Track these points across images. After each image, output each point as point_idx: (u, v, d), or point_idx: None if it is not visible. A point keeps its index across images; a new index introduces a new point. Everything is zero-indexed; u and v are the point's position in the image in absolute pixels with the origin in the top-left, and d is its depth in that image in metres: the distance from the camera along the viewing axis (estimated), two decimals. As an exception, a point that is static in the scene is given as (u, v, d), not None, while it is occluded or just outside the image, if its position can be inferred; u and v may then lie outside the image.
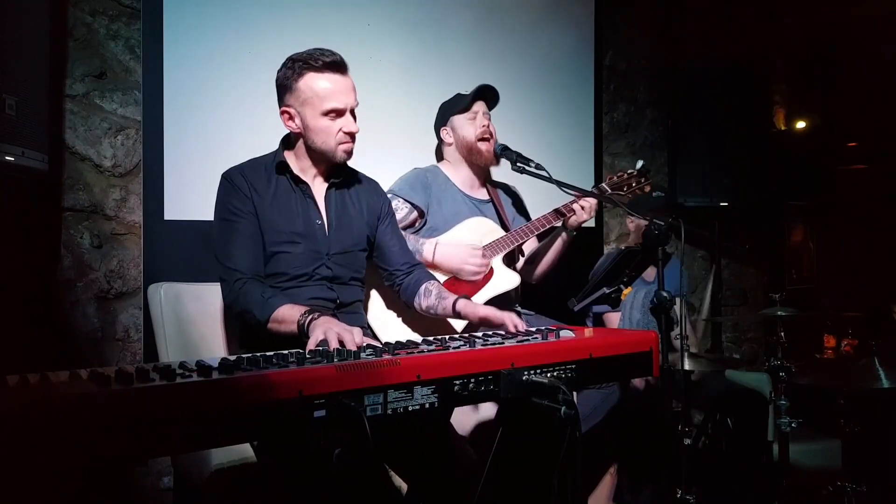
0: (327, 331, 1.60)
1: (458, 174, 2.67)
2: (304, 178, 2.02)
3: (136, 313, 2.62)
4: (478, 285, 2.48)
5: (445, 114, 2.67)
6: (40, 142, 2.15)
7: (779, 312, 2.49)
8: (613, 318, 3.02)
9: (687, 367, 2.51)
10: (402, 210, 2.51)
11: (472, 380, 1.45)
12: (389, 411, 1.33)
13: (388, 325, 2.36)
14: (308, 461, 1.50)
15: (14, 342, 2.25)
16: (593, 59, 3.65)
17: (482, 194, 2.70)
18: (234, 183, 1.93)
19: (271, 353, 1.37)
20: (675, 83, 3.95)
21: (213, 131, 2.63)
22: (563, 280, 2.67)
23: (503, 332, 1.80)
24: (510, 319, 1.86)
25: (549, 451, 1.44)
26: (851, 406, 2.46)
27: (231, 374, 1.21)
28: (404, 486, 1.94)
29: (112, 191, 2.60)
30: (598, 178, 3.65)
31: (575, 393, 1.53)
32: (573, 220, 2.53)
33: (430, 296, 2.11)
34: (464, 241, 2.49)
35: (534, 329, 1.85)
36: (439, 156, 2.79)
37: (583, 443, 1.40)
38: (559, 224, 2.58)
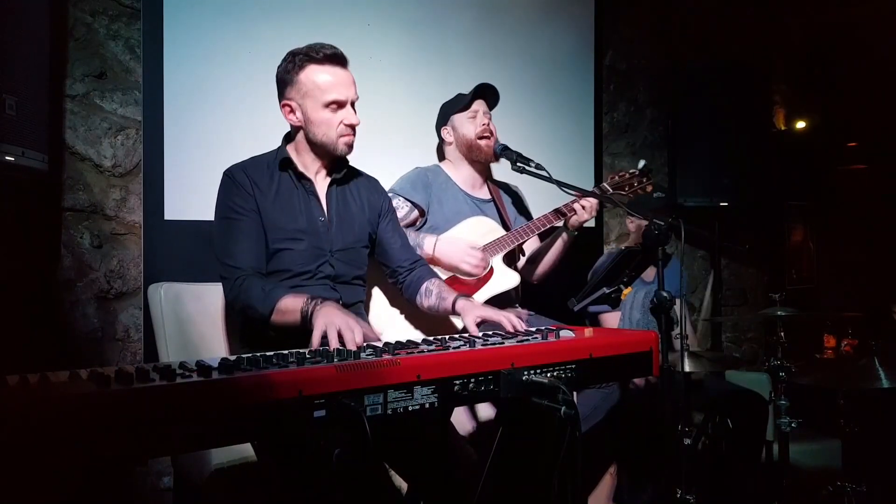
0: (328, 325, 1.60)
1: (460, 173, 2.67)
2: (307, 173, 2.02)
3: (136, 313, 2.62)
4: (478, 284, 2.48)
5: (446, 113, 2.68)
6: (40, 142, 2.15)
7: (779, 312, 2.49)
8: (609, 318, 3.02)
9: (687, 367, 2.51)
10: (402, 209, 2.52)
11: (472, 380, 1.45)
12: (389, 411, 1.33)
13: (389, 323, 2.36)
14: (308, 461, 1.50)
15: (14, 342, 2.25)
16: (593, 59, 3.65)
17: (483, 194, 2.71)
18: (236, 180, 1.93)
19: (271, 353, 1.37)
20: (675, 83, 3.95)
21: (214, 131, 2.63)
22: (563, 280, 2.67)
23: (503, 332, 1.80)
24: (507, 319, 1.86)
25: (549, 451, 1.44)
26: (851, 406, 2.47)
27: (231, 374, 1.21)
28: (404, 486, 1.94)
29: (112, 191, 2.60)
30: (598, 178, 3.65)
31: (575, 393, 1.53)
32: (574, 219, 2.53)
33: (432, 295, 2.11)
34: (464, 240, 2.49)
35: (534, 329, 1.85)
36: (441, 155, 2.79)
37: (583, 443, 1.40)
38: (560, 224, 2.58)
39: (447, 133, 2.68)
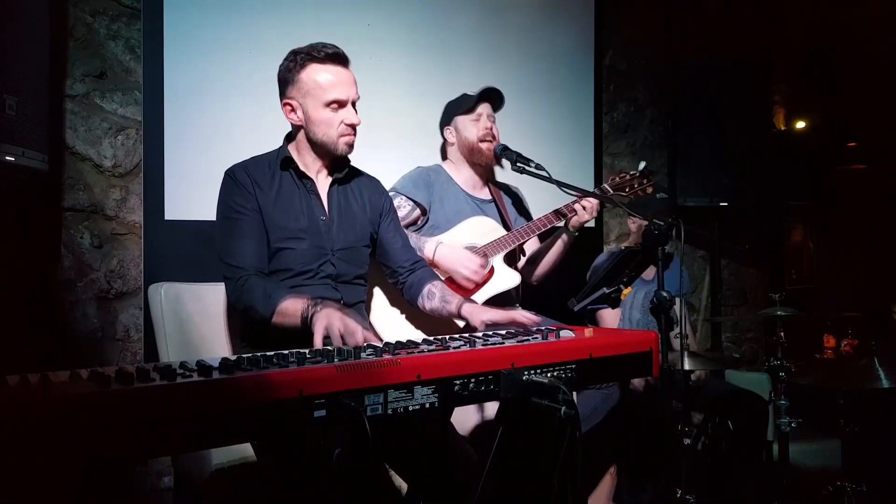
0: (329, 326, 1.61)
1: (461, 174, 2.68)
2: (308, 173, 2.02)
3: (137, 313, 2.62)
4: (478, 284, 2.48)
5: (450, 113, 2.68)
6: (40, 142, 2.15)
7: (779, 312, 2.49)
8: (609, 318, 3.02)
9: (687, 367, 2.51)
10: (404, 208, 2.52)
11: (472, 380, 1.45)
12: (389, 411, 1.33)
13: (391, 323, 2.36)
14: (308, 461, 1.50)
15: (14, 342, 2.25)
16: (593, 59, 3.65)
17: (484, 194, 2.71)
18: (238, 179, 1.93)
19: (271, 353, 1.37)
20: (675, 83, 3.95)
21: (214, 131, 2.63)
22: (563, 280, 2.68)
23: (503, 332, 1.80)
24: (519, 314, 1.87)
25: (549, 451, 1.44)
26: (851, 406, 2.47)
27: (231, 374, 1.21)
28: (404, 486, 1.94)
29: (112, 191, 2.60)
30: (599, 178, 3.66)
31: (575, 393, 1.53)
32: (574, 220, 2.54)
33: (434, 298, 2.10)
34: (465, 240, 2.49)
35: (534, 329, 1.85)
36: (443, 154, 2.79)
37: (583, 443, 1.40)
38: (561, 224, 2.58)
39: (450, 133, 2.68)
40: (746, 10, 4.34)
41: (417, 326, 2.38)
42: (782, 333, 2.49)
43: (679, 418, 2.04)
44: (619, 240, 3.85)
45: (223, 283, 1.92)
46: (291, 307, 1.75)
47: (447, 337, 1.72)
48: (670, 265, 2.67)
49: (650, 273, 2.99)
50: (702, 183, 3.82)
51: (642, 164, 2.67)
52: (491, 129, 2.58)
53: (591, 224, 2.63)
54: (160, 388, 1.12)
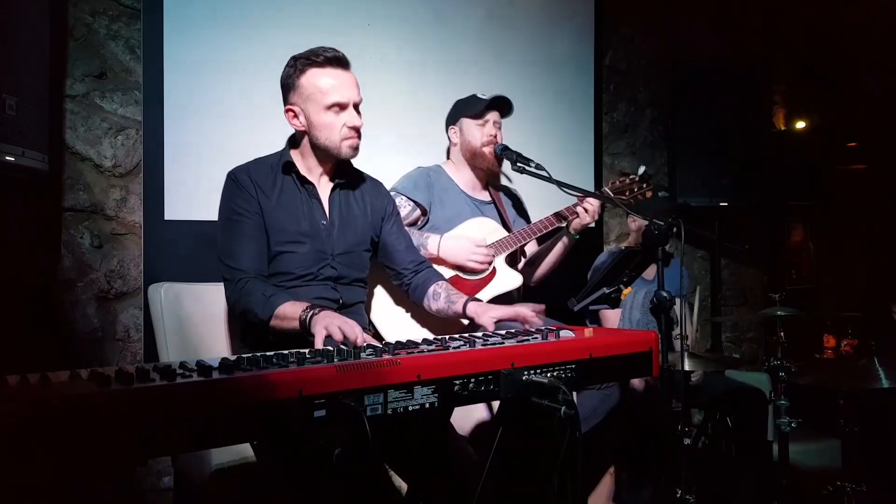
0: (329, 325, 1.62)
1: (461, 175, 2.68)
2: (310, 178, 2.02)
3: (137, 313, 2.62)
4: (481, 284, 2.48)
5: (457, 113, 2.67)
6: (40, 142, 2.15)
7: (779, 312, 2.49)
8: (609, 318, 3.02)
9: (687, 367, 2.51)
10: (405, 208, 2.52)
11: (472, 380, 1.45)
12: (389, 411, 1.33)
13: (393, 323, 2.36)
14: (308, 461, 1.50)
15: (14, 342, 2.25)
16: (593, 59, 3.65)
17: (484, 196, 2.71)
18: (240, 182, 1.94)
19: (271, 353, 1.37)
20: (675, 83, 3.95)
21: (214, 131, 2.63)
22: (563, 280, 2.68)
23: (503, 332, 1.80)
24: (525, 308, 1.88)
25: (549, 451, 1.44)
26: (851, 406, 2.47)
27: (231, 374, 1.21)
28: (404, 486, 1.94)
29: (112, 191, 2.60)
30: (598, 178, 3.66)
31: (575, 393, 1.53)
32: (576, 222, 2.55)
33: (440, 299, 2.11)
34: (468, 237, 2.49)
35: (534, 329, 1.85)
36: (447, 153, 2.79)
37: (583, 443, 1.40)
38: (563, 225, 2.59)
39: (454, 133, 2.68)
40: (746, 10, 4.34)
41: (423, 325, 2.38)
42: (782, 333, 2.49)
43: (679, 418, 2.04)
44: (619, 240, 3.85)
45: (223, 284, 1.92)
46: (290, 311, 1.76)
47: (447, 337, 1.72)
48: (670, 264, 2.68)
49: (650, 273, 2.99)
50: (702, 183, 3.82)
51: (642, 169, 2.68)
52: (495, 136, 2.58)
53: (592, 225, 2.64)
54: (160, 388, 1.12)
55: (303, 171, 2.01)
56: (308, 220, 1.98)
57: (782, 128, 4.66)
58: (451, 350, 1.50)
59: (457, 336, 1.75)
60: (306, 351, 1.45)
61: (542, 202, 2.83)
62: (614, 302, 2.18)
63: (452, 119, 2.69)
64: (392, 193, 2.36)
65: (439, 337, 1.73)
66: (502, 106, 2.62)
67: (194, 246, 2.51)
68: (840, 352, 3.95)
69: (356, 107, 1.96)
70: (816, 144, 4.72)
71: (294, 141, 2.06)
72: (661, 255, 1.98)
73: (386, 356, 1.39)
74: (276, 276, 1.94)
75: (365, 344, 1.56)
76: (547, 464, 1.46)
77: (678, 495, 1.98)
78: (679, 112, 3.91)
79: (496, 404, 2.25)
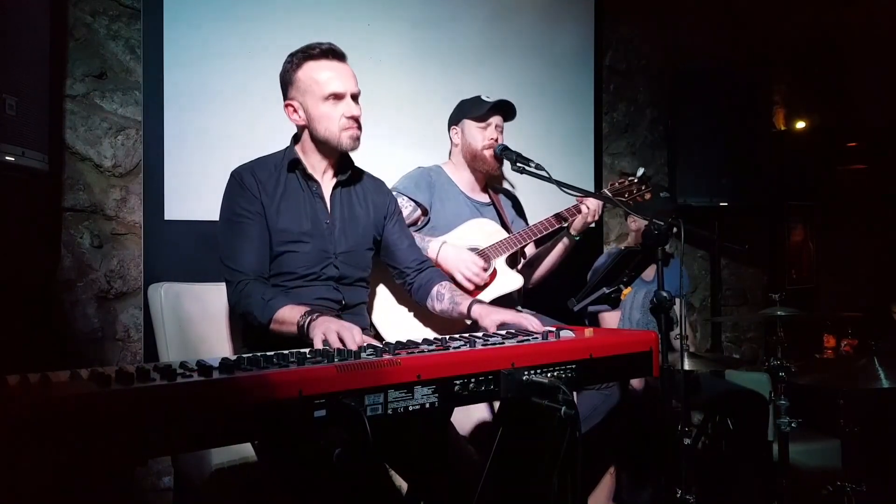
0: (326, 331, 1.61)
1: (461, 176, 2.68)
2: (314, 174, 2.02)
3: (137, 313, 2.62)
4: (479, 287, 2.48)
5: (460, 114, 2.67)
6: (40, 142, 2.15)
7: (779, 312, 2.49)
8: (609, 318, 3.02)
9: (687, 367, 2.51)
10: (406, 208, 2.51)
11: (473, 380, 1.45)
12: (390, 411, 1.33)
13: (395, 324, 2.36)
14: (308, 461, 1.50)
15: (14, 342, 2.25)
16: (593, 59, 3.65)
17: (483, 197, 2.72)
18: (244, 182, 1.93)
19: (272, 353, 1.37)
20: (675, 83, 3.95)
21: (214, 131, 2.63)
22: (563, 280, 2.68)
23: (503, 333, 1.80)
24: (527, 321, 1.87)
25: (549, 451, 1.44)
26: (851, 406, 2.47)
27: (231, 374, 1.21)
28: (404, 486, 1.94)
29: (112, 191, 2.60)
30: (598, 178, 3.66)
31: (575, 393, 1.53)
32: (576, 223, 2.54)
33: (444, 299, 2.10)
34: (469, 241, 2.49)
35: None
36: (449, 153, 2.80)
37: (583, 443, 1.40)
38: (563, 226, 2.59)
39: (455, 134, 2.67)
40: (746, 10, 4.34)
41: (425, 326, 2.37)
42: (782, 333, 2.49)
43: (679, 418, 2.04)
44: (619, 240, 3.85)
45: (223, 284, 1.92)
46: (289, 315, 1.76)
47: (447, 337, 1.72)
48: (670, 264, 2.68)
49: (650, 273, 2.99)
50: (702, 183, 3.82)
51: (641, 170, 2.68)
52: (496, 139, 2.58)
53: (592, 225, 2.65)
54: (160, 388, 1.12)
55: (308, 168, 2.01)
56: (311, 219, 1.98)
57: (782, 128, 4.66)
58: (451, 350, 1.50)
59: (457, 336, 1.75)
60: (306, 351, 1.45)
61: (541, 203, 2.83)
62: (614, 302, 2.18)
63: (455, 119, 2.69)
64: (394, 193, 2.35)
65: (439, 337, 1.73)
66: (506, 110, 2.61)
67: (194, 246, 2.51)
68: (840, 352, 3.95)
69: (354, 97, 1.96)
70: (816, 144, 4.72)
71: (296, 138, 2.06)
72: (661, 255, 1.98)
73: (386, 356, 1.40)
74: (278, 276, 1.93)
75: (365, 344, 1.56)
76: (547, 464, 1.46)
77: (678, 495, 1.98)
78: (679, 112, 3.91)
79: (497, 404, 2.26)
